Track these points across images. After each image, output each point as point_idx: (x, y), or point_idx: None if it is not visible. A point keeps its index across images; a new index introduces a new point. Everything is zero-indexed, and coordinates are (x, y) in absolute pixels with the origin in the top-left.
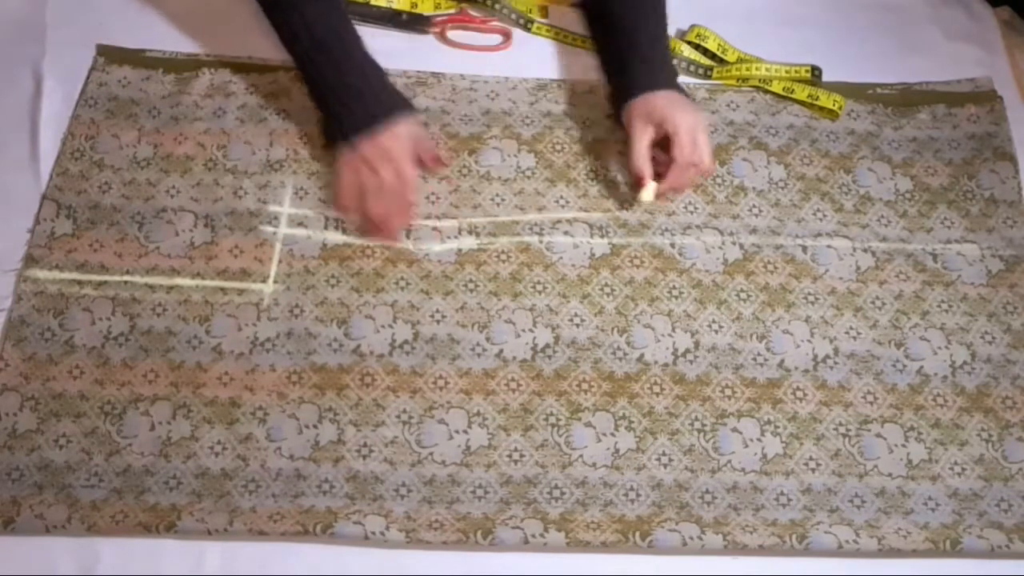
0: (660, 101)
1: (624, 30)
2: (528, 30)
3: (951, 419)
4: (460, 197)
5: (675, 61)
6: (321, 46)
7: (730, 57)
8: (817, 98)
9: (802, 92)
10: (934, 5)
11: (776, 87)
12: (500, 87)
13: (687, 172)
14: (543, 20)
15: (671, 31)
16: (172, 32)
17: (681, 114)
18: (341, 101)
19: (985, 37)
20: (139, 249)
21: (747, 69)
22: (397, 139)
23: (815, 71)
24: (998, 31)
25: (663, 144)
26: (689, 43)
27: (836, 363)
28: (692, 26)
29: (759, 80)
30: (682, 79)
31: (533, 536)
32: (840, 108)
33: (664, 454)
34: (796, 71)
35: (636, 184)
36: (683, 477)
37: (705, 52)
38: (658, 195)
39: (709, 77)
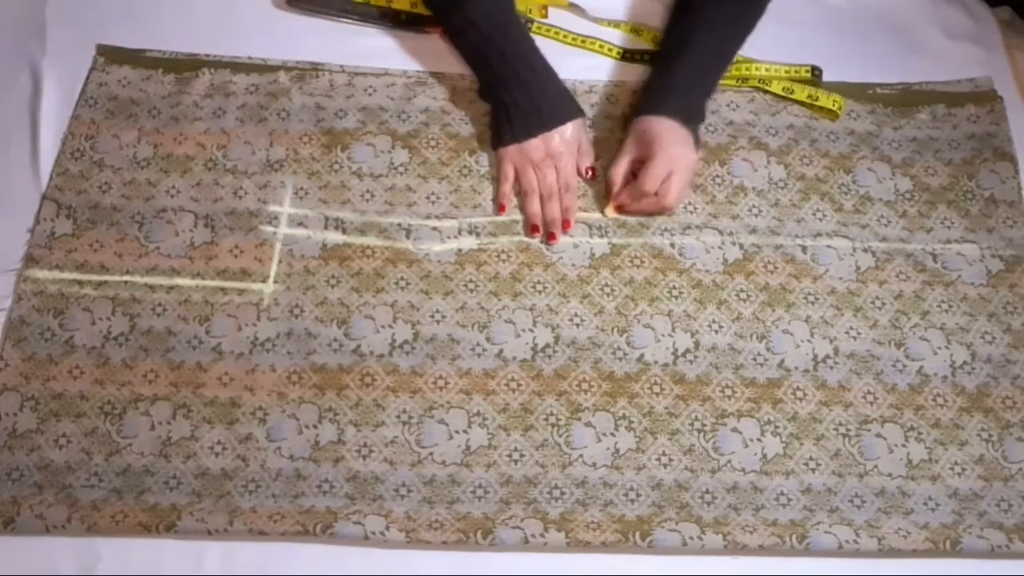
0: (657, 128)
1: (675, 49)
2: (528, 30)
3: (951, 419)
4: (460, 197)
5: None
6: (490, 42)
7: None
8: (817, 98)
9: (802, 92)
10: (934, 5)
11: (776, 87)
12: None
13: (643, 199)
14: (543, 20)
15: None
16: (172, 32)
17: (669, 146)
18: (512, 97)
19: (985, 37)
20: (139, 249)
21: (747, 69)
22: (565, 142)
23: (815, 71)
24: (998, 31)
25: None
26: None
27: (836, 363)
28: None
29: (759, 80)
30: None
31: (533, 536)
32: (840, 108)
33: (664, 454)
34: (796, 71)
35: (606, 194)
36: (683, 477)
37: None
38: (615, 210)
39: None
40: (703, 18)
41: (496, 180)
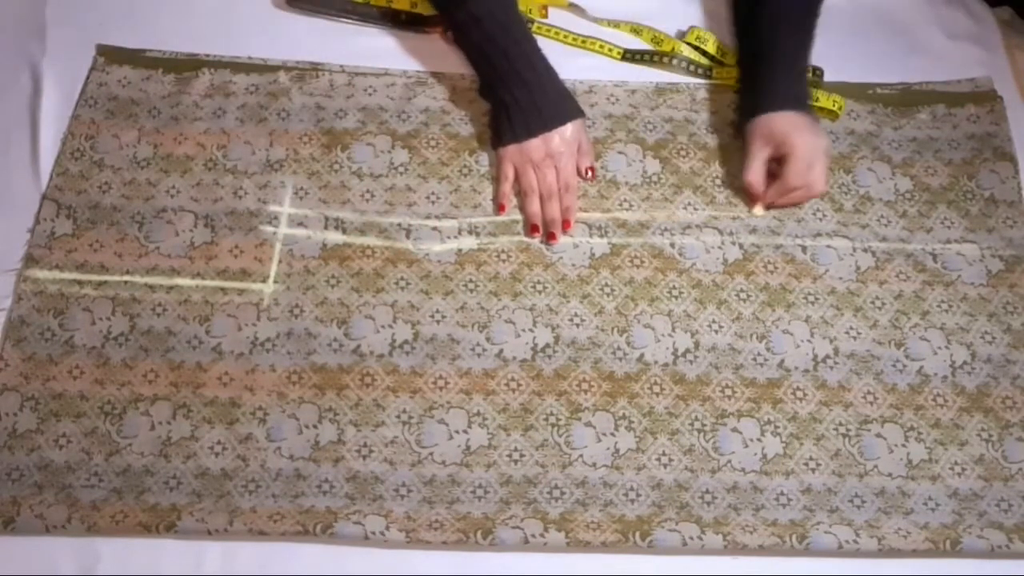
0: (782, 123)
1: (765, 41)
2: (529, 30)
3: (951, 419)
4: (460, 197)
5: (675, 61)
6: (492, 40)
7: (729, 60)
8: (817, 98)
9: None
10: (934, 5)
11: None
12: None
13: (794, 193)
14: (543, 20)
15: (671, 31)
16: (172, 32)
17: (800, 137)
18: (512, 96)
19: (985, 37)
20: (139, 249)
21: None
22: (565, 142)
23: (815, 71)
24: (998, 31)
25: (780, 161)
26: (688, 44)
27: (836, 363)
28: (691, 28)
29: None
30: (682, 79)
31: (533, 536)
32: (840, 108)
33: (664, 454)
34: None
35: (749, 197)
36: (683, 477)
37: (704, 54)
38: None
39: (709, 77)
40: (779, 2)
41: (496, 180)
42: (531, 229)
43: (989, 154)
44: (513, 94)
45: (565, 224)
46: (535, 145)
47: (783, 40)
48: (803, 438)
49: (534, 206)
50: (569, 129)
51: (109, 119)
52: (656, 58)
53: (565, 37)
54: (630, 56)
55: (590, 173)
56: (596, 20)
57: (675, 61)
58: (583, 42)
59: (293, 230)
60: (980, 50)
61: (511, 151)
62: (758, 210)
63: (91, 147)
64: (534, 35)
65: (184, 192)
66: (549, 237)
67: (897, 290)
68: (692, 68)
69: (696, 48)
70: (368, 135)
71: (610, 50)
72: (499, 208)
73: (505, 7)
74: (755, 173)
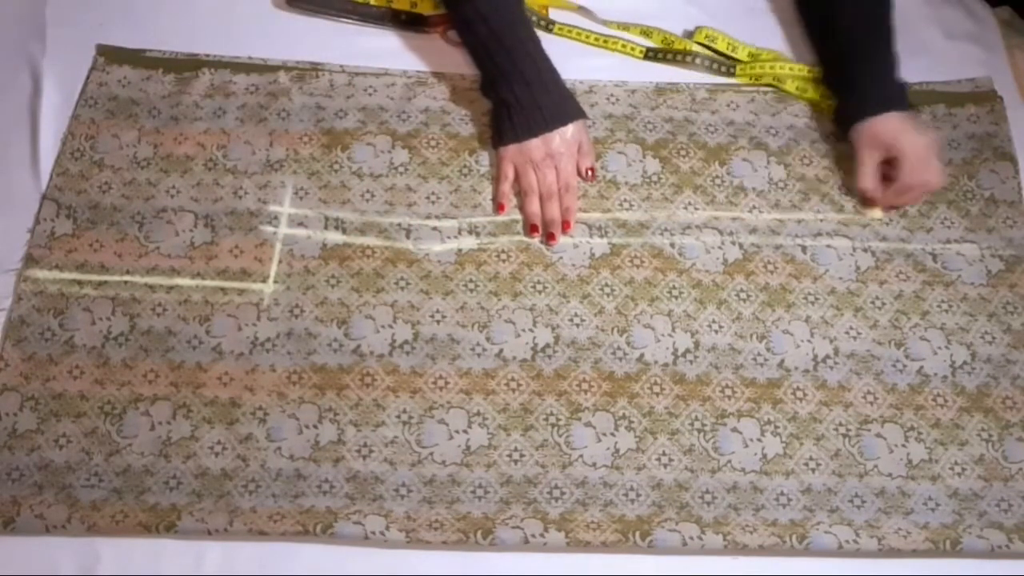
0: (887, 126)
1: (850, 43)
2: (549, 31)
3: (951, 419)
4: (460, 197)
5: (697, 60)
6: (497, 37)
7: (741, 55)
8: (829, 96)
9: (816, 91)
10: (934, 5)
11: (790, 86)
12: None
13: (910, 192)
14: (562, 21)
15: (677, 31)
16: (172, 32)
17: (908, 139)
18: (514, 95)
19: (985, 37)
20: (139, 249)
21: (760, 67)
22: (565, 142)
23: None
24: (998, 31)
25: (891, 163)
26: (698, 44)
27: (836, 363)
28: (698, 27)
29: (774, 78)
30: (699, 77)
31: (533, 536)
32: None
33: (664, 454)
34: (814, 71)
35: (862, 201)
36: (683, 477)
37: (715, 52)
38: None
39: (732, 74)
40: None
41: (495, 179)
42: (530, 229)
43: (989, 154)
44: (515, 93)
45: (565, 225)
46: (535, 145)
47: (869, 40)
48: (803, 438)
49: (533, 206)
50: (570, 129)
51: (109, 119)
52: (679, 57)
53: (587, 37)
54: (652, 55)
55: (590, 174)
56: (606, 22)
57: (698, 60)
58: (605, 41)
59: (293, 230)
60: (980, 50)
61: (511, 151)
62: (876, 213)
63: (91, 147)
64: (555, 36)
65: (184, 192)
66: (548, 238)
67: (897, 290)
68: (715, 67)
69: (706, 47)
70: (368, 135)
71: (632, 49)
72: (498, 208)
73: (511, 5)
74: (870, 179)
